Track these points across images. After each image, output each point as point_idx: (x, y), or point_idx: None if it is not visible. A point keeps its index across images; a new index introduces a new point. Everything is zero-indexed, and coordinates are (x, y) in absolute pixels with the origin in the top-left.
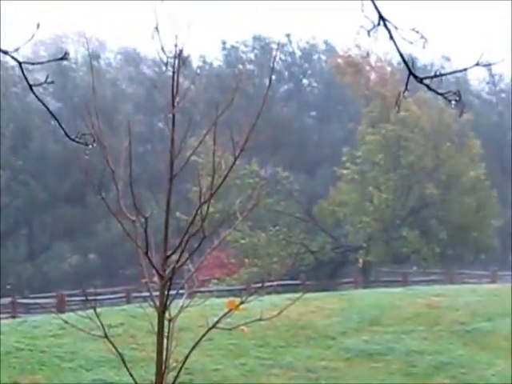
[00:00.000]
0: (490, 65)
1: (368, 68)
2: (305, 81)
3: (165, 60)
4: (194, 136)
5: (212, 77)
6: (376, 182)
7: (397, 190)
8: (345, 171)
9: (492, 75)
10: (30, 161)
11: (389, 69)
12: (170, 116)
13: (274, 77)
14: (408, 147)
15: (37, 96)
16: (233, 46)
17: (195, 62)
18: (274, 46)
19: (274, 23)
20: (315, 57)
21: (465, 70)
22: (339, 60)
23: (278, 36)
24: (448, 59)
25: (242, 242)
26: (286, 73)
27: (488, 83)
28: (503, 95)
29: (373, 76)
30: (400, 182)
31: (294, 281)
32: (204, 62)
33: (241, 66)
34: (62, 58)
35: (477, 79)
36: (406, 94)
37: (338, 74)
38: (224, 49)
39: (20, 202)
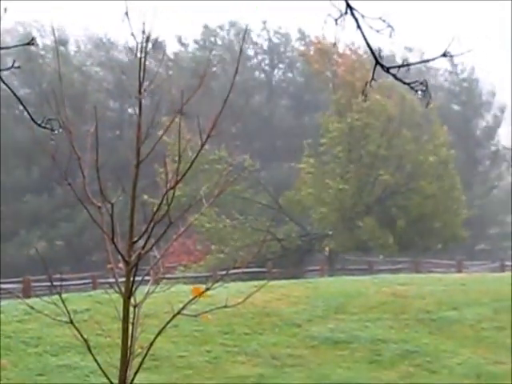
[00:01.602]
0: (456, 55)
1: (336, 57)
2: (277, 69)
3: (134, 45)
4: (163, 122)
5: (189, 61)
6: (335, 172)
7: (360, 179)
8: (304, 164)
9: (454, 65)
10: None
11: (356, 58)
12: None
13: (247, 64)
14: (371, 136)
15: (3, 81)
16: (210, 32)
17: (174, 47)
18: (249, 33)
19: (250, 10)
20: (288, 45)
21: (432, 60)
22: (309, 48)
23: (250, 23)
24: (410, 50)
25: (208, 226)
26: (258, 60)
27: (451, 73)
28: (465, 84)
29: (341, 65)
30: (363, 170)
31: (260, 268)
32: (182, 45)
33: (214, 52)
34: (29, 43)
35: (439, 69)
36: (373, 91)
37: (307, 63)
38: (203, 33)
39: None
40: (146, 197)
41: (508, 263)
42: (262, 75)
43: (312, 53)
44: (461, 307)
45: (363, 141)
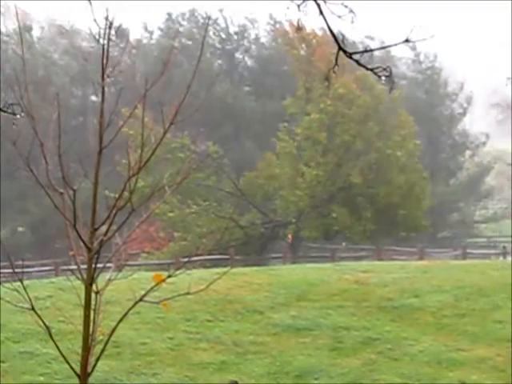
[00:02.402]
0: (417, 41)
1: (304, 43)
2: (240, 56)
3: (97, 32)
4: (126, 109)
5: (153, 49)
6: (309, 158)
7: (329, 166)
8: (282, 144)
9: (417, 54)
10: None
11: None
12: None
13: (208, 52)
14: (344, 125)
15: None
16: (174, 19)
17: (138, 34)
18: (212, 20)
19: None
20: (253, 32)
21: (394, 45)
22: (276, 33)
23: (214, 10)
24: (372, 39)
25: (171, 214)
26: (221, 47)
27: (414, 61)
28: (429, 72)
29: (310, 50)
30: (334, 159)
31: (223, 255)
32: (147, 32)
33: (177, 40)
34: None
35: (402, 58)
36: (347, 70)
37: (284, 45)
38: (167, 20)
39: None
40: (107, 192)
41: (469, 251)
42: (226, 62)
43: (282, 39)
44: (422, 295)
45: (337, 129)
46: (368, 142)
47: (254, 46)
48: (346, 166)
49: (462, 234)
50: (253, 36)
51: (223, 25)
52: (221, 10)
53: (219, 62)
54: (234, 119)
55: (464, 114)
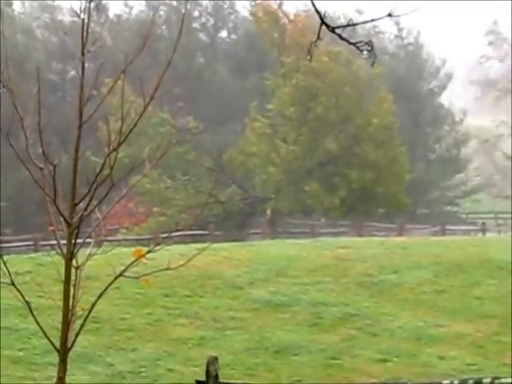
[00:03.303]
0: (400, 16)
1: (283, 18)
2: (221, 31)
3: (78, 6)
4: (107, 84)
5: (133, 23)
6: (285, 134)
7: (305, 142)
8: (256, 123)
9: (400, 29)
10: None
11: (306, 20)
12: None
13: (191, 26)
14: (317, 98)
15: None
16: None
17: (118, 9)
18: None
19: None
20: (233, 7)
21: (376, 20)
22: (257, 8)
23: None
24: (361, 13)
25: (150, 187)
26: (202, 22)
27: (396, 37)
28: (411, 48)
29: (290, 27)
30: (309, 134)
31: (202, 231)
32: (126, 6)
33: (159, 13)
34: None
35: (385, 33)
36: (320, 45)
37: (256, 23)
38: None
39: None
40: (89, 152)
41: (449, 227)
42: (206, 37)
43: (261, 14)
44: (401, 270)
45: (310, 103)
46: (345, 117)
47: (237, 21)
48: (323, 141)
49: (441, 210)
50: (234, 11)
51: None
52: None
53: (201, 35)
54: (214, 95)
55: (444, 89)
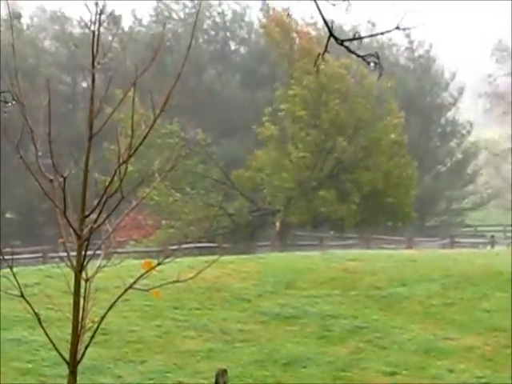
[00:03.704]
0: (409, 28)
1: (294, 30)
2: (230, 43)
3: (88, 18)
4: (116, 96)
5: (144, 36)
6: (296, 138)
7: (316, 149)
8: (264, 129)
9: (410, 42)
10: None
11: (314, 32)
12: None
13: (200, 38)
14: (328, 105)
15: None
16: (165, 4)
17: (129, 22)
18: (204, 7)
19: None
20: (246, 19)
21: (386, 32)
22: (268, 20)
23: None
24: (373, 25)
25: (157, 198)
26: (212, 34)
27: (407, 49)
28: (422, 61)
29: (300, 38)
30: (320, 141)
31: (210, 243)
32: (136, 19)
33: (169, 26)
34: None
35: (396, 46)
36: (331, 58)
37: (267, 35)
38: (156, 7)
39: None
40: (96, 174)
41: (457, 240)
42: (216, 49)
43: (271, 25)
44: (410, 283)
45: (321, 108)
46: (355, 127)
47: (246, 34)
48: (334, 151)
49: (449, 222)
50: (246, 23)
51: (218, 11)
52: None
53: (211, 48)
54: (224, 107)
55: (454, 103)
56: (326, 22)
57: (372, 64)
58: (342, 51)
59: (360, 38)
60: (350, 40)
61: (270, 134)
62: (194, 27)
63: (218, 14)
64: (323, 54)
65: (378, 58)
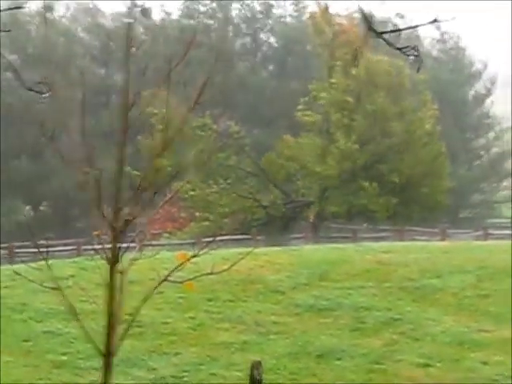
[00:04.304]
0: (444, 21)
1: (336, 21)
2: (263, 35)
3: (122, 10)
4: (149, 89)
5: (173, 29)
6: (339, 126)
7: (357, 139)
8: (306, 116)
9: (442, 34)
10: None
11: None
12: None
13: (231, 31)
14: (371, 96)
15: None
16: None
17: (158, 15)
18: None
19: None
20: (276, 11)
21: (421, 25)
22: (314, 12)
23: None
24: (402, 17)
25: (192, 193)
26: (244, 27)
27: (438, 41)
28: (453, 53)
29: (342, 30)
30: (361, 131)
31: (244, 235)
32: (165, 13)
33: (198, 20)
34: (17, 8)
35: (428, 38)
36: (370, 52)
37: (312, 26)
38: (185, 1)
39: None
40: (129, 168)
41: (491, 231)
42: (246, 42)
43: (315, 15)
44: (444, 275)
45: (365, 98)
46: (391, 118)
47: (277, 26)
48: (372, 143)
49: (483, 214)
50: (276, 15)
51: (248, 3)
52: None
53: (242, 41)
54: (255, 99)
55: (487, 94)
56: (364, 15)
57: (411, 57)
58: (378, 44)
59: (398, 31)
60: (388, 32)
61: (312, 120)
62: (225, 20)
63: (247, 6)
64: (361, 46)
65: (418, 51)
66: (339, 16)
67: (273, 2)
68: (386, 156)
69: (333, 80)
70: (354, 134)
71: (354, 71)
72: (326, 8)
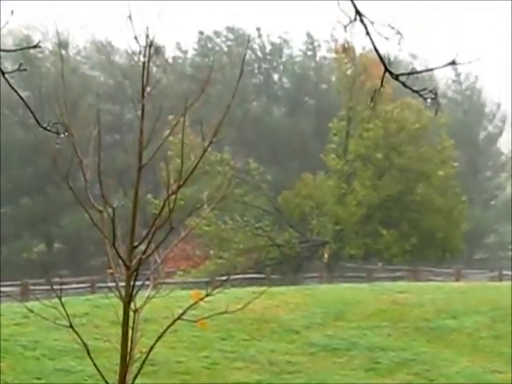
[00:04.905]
0: (463, 64)
1: (351, 62)
2: (275, 75)
3: (136, 49)
4: (164, 126)
5: (186, 66)
6: (362, 177)
7: (382, 188)
8: (332, 162)
9: (458, 74)
10: None
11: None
12: (140, 106)
13: (245, 69)
14: (395, 146)
15: (10, 84)
16: (208, 37)
17: (171, 52)
18: (248, 38)
19: (249, 14)
20: (287, 51)
21: (440, 67)
22: (336, 51)
23: (250, 29)
24: (415, 57)
25: (207, 228)
26: (256, 65)
27: (454, 82)
28: (468, 93)
29: (360, 71)
30: (387, 182)
31: (259, 274)
32: (180, 50)
33: (212, 58)
34: (35, 46)
35: (443, 78)
36: (392, 95)
37: (336, 63)
38: (199, 39)
39: None
40: (149, 195)
41: (506, 272)
42: (260, 81)
43: (340, 55)
44: (459, 316)
45: (386, 150)
46: (408, 163)
47: (288, 65)
48: (385, 185)
49: (498, 255)
50: (288, 55)
51: (259, 43)
52: (258, 29)
53: (254, 80)
54: (270, 138)
55: (500, 134)
56: (380, 57)
57: (429, 100)
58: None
59: (416, 73)
60: (406, 75)
61: (334, 164)
62: (242, 61)
63: (259, 46)
64: (379, 89)
65: (436, 94)
66: (360, 55)
67: (285, 41)
68: (400, 200)
69: (360, 134)
70: (372, 181)
71: (374, 116)
72: (347, 47)
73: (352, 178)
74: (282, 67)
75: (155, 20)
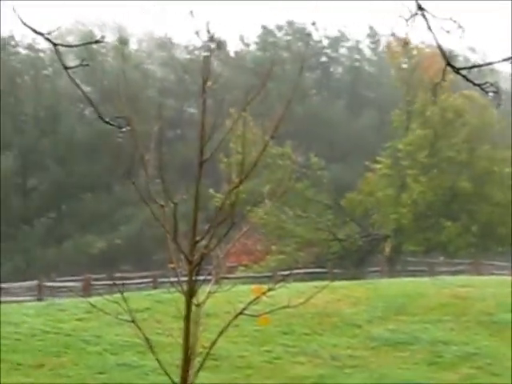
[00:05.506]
0: None
1: (407, 55)
2: (332, 69)
3: (198, 44)
4: (225, 121)
5: (248, 61)
6: (413, 175)
7: (433, 182)
8: (380, 165)
9: None
10: (59, 145)
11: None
12: (201, 100)
13: (304, 63)
14: (449, 140)
15: (73, 79)
16: (269, 31)
17: (235, 46)
18: (308, 32)
19: (308, 9)
20: (345, 44)
21: (502, 61)
22: (392, 44)
23: (309, 23)
24: (474, 50)
25: (268, 220)
26: (315, 59)
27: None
28: None
29: (418, 64)
30: (438, 175)
31: (320, 269)
32: (243, 44)
33: (273, 52)
34: (96, 42)
35: (502, 72)
36: (452, 87)
37: (390, 58)
38: (261, 34)
39: (48, 186)
40: (211, 190)
41: None
42: (319, 75)
43: (394, 48)
44: None
45: (441, 144)
46: (472, 158)
47: (348, 59)
48: (450, 181)
49: None
50: (347, 48)
51: (317, 38)
52: (313, 23)
53: (313, 75)
54: (330, 132)
55: None
56: (442, 51)
57: (490, 94)
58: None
59: (478, 66)
60: (467, 68)
61: (386, 171)
62: (303, 56)
63: (317, 41)
64: (440, 82)
65: (497, 87)
66: (418, 48)
67: (343, 34)
68: (464, 195)
69: (411, 132)
70: (430, 183)
71: (435, 113)
72: (406, 41)
73: (404, 175)
74: (342, 60)
75: (216, 15)
